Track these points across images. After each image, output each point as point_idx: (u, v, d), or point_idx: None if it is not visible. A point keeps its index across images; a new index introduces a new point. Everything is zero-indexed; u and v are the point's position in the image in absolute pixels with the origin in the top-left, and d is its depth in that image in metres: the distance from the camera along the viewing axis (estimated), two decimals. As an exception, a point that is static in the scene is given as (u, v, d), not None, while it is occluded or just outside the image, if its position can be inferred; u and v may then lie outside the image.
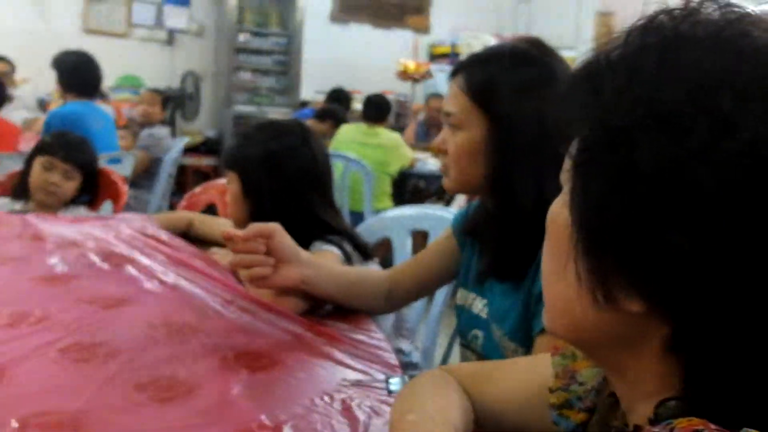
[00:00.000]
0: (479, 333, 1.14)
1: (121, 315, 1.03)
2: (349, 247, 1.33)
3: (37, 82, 5.46)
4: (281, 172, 1.35)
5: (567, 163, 0.47)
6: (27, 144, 3.34)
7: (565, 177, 0.47)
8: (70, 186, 1.98)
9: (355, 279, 1.19)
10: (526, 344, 1.02)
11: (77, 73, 3.40)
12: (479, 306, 1.15)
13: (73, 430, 0.66)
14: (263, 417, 0.73)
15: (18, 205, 1.95)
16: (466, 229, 1.20)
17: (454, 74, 1.09)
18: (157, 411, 0.72)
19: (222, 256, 1.38)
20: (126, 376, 0.79)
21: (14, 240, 1.39)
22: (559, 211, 0.48)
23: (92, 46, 4.94)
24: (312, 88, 6.82)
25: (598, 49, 0.47)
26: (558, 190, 0.49)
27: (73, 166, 1.98)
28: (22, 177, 2.00)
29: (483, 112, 1.04)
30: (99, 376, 0.79)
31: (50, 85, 5.39)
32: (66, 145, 2.03)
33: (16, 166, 2.25)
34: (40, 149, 2.02)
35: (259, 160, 1.37)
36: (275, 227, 1.05)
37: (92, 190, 2.09)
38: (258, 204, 1.37)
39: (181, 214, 1.71)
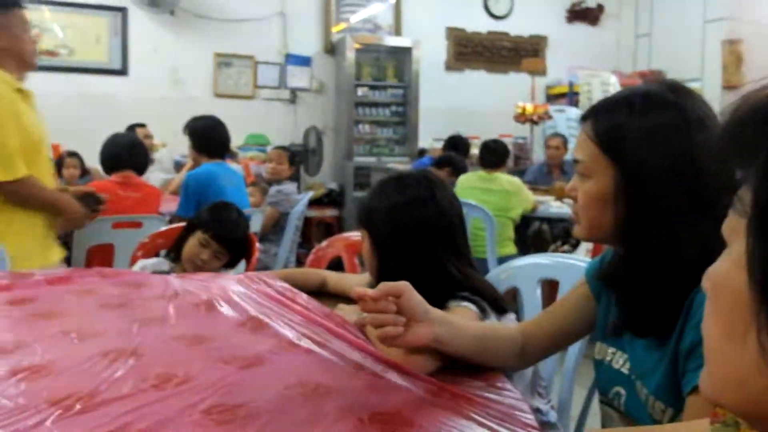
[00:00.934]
0: (621, 390, 1.08)
1: (258, 375, 1.05)
2: (484, 303, 1.30)
3: (172, 145, 5.87)
4: (405, 226, 1.34)
5: (734, 219, 0.42)
6: (166, 205, 3.57)
7: (733, 234, 0.42)
8: (219, 263, 2.09)
9: (487, 335, 1.16)
10: (675, 404, 0.94)
11: (208, 137, 3.61)
12: (620, 361, 1.09)
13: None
14: (402, 485, 0.71)
15: (166, 266, 2.06)
16: (602, 279, 1.15)
17: (583, 120, 1.06)
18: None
19: (348, 312, 1.38)
20: (265, 440, 0.80)
21: (157, 300, 1.46)
22: (728, 274, 0.43)
23: (222, 108, 5.27)
24: (429, 136, 6.90)
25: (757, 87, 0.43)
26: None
27: (227, 249, 2.08)
28: (177, 241, 2.12)
29: (611, 159, 1.01)
30: (240, 439, 0.80)
31: (184, 147, 5.79)
32: (223, 226, 2.11)
33: (158, 227, 2.40)
34: (200, 223, 2.12)
35: (383, 214, 1.37)
36: (405, 286, 1.04)
37: (236, 262, 2.18)
38: (385, 259, 1.36)
39: (315, 272, 1.73)
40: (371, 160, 6.71)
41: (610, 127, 1.01)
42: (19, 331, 1.24)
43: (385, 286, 1.03)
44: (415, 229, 1.34)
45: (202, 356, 1.12)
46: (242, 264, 2.34)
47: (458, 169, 4.70)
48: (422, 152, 6.67)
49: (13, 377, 1.00)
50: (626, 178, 0.99)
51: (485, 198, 4.05)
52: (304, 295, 1.45)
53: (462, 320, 1.16)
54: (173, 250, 2.13)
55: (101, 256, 2.96)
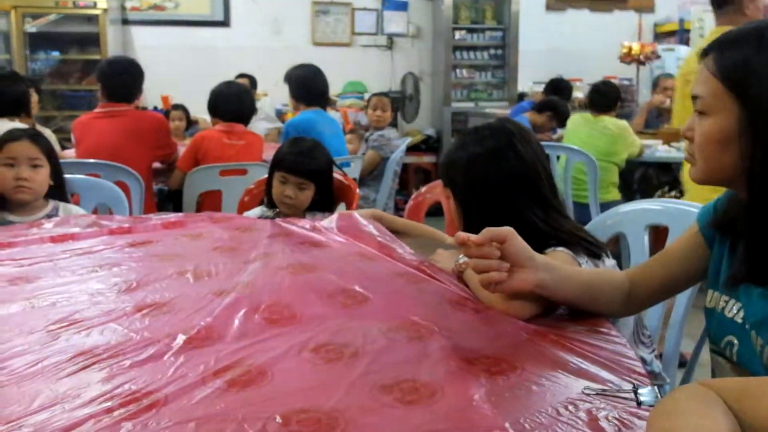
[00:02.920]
0: (734, 340, 1.04)
1: (363, 314, 1.08)
2: (578, 248, 1.27)
3: (273, 94, 5.98)
4: (485, 178, 1.32)
5: None
6: (268, 153, 3.67)
7: None
8: (306, 196, 2.12)
9: (593, 280, 1.14)
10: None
11: (307, 85, 3.66)
12: (733, 310, 1.04)
13: (329, 428, 0.70)
14: (507, 425, 0.72)
15: (270, 213, 2.14)
16: (716, 225, 1.10)
17: (704, 55, 1.00)
18: (402, 413, 0.74)
19: (446, 257, 1.38)
20: (372, 378, 0.83)
21: (264, 243, 1.52)
22: None
23: (320, 56, 5.31)
24: (529, 80, 6.70)
25: None
26: None
27: (305, 178, 2.12)
28: (267, 188, 2.19)
29: (736, 96, 0.95)
30: (347, 377, 0.83)
31: (285, 96, 5.90)
32: (297, 157, 2.13)
33: (263, 173, 2.47)
34: (275, 163, 2.17)
35: (462, 168, 1.35)
36: (509, 231, 1.03)
37: (328, 193, 2.21)
38: (468, 214, 1.35)
39: (418, 226, 1.73)
40: (469, 105, 6.62)
41: (736, 62, 0.95)
42: (140, 271, 1.32)
43: (489, 231, 1.03)
44: (494, 181, 1.32)
45: (310, 294, 1.16)
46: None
47: (560, 114, 4.56)
48: (522, 96, 6.49)
49: (137, 313, 1.07)
50: (752, 117, 0.93)
51: (590, 142, 3.92)
52: (403, 244, 1.47)
53: (566, 266, 1.15)
54: (267, 197, 2.19)
55: (210, 202, 3.10)
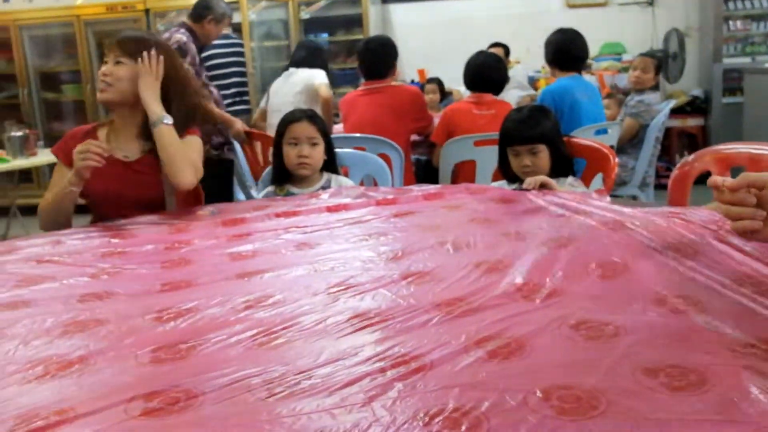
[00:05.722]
0: None
1: (622, 287, 1.05)
2: None
3: (526, 61, 5.91)
4: None
5: None
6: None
7: None
8: (542, 160, 2.11)
9: None
10: None
11: (564, 50, 3.56)
12: None
13: (590, 407, 0.70)
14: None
15: (512, 186, 2.16)
16: None
17: None
18: (668, 399, 0.71)
19: None
20: (634, 359, 0.81)
21: (520, 215, 1.53)
22: None
23: (574, 19, 5.12)
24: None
25: None
26: None
27: (535, 143, 2.10)
28: (501, 162, 2.24)
29: None
30: (608, 356, 0.82)
31: (538, 63, 5.79)
32: (519, 125, 2.15)
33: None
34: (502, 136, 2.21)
35: None
36: None
37: (561, 156, 2.16)
38: None
39: None
40: (744, 61, 5.93)
41: None
42: (405, 240, 1.41)
43: (746, 176, 0.94)
44: None
45: (566, 265, 1.16)
46: (599, 182, 2.30)
47: None
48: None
49: (403, 280, 1.16)
50: None
51: None
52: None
53: None
54: (501, 169, 2.21)
55: (465, 172, 3.18)
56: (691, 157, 2.19)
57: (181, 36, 3.61)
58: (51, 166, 2.25)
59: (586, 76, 4.43)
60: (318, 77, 4.05)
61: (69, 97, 6.40)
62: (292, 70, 4.18)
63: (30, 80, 6.43)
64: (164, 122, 1.94)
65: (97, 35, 6.25)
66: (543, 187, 1.79)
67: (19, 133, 4.51)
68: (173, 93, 2.00)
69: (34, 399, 0.83)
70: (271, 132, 3.87)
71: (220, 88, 4.05)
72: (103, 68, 1.99)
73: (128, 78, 1.96)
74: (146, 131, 1.98)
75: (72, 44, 6.28)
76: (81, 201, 1.96)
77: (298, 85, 4.04)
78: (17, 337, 1.04)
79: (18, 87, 6.40)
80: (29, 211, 4.38)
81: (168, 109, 1.97)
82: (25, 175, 6.15)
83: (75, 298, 1.22)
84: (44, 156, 4.59)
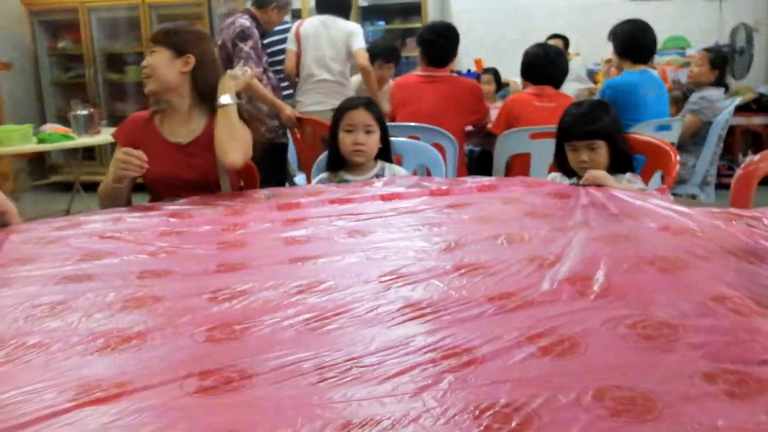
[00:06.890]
0: None
1: (679, 286, 1.03)
2: None
3: (586, 54, 5.79)
4: None
5: None
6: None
7: None
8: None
9: None
10: None
11: (632, 41, 3.46)
12: None
13: (645, 411, 0.69)
14: None
15: (568, 180, 2.12)
16: None
17: None
18: (727, 406, 0.70)
19: None
20: (693, 363, 0.79)
21: (576, 210, 1.51)
22: None
23: (636, 11, 4.98)
24: None
25: None
26: None
27: (593, 138, 2.06)
28: (558, 158, 2.18)
29: None
30: (666, 358, 0.80)
31: (598, 56, 5.66)
32: (577, 120, 2.11)
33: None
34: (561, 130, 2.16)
35: None
36: None
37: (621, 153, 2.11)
38: None
39: None
40: (818, 57, 5.70)
41: None
42: (458, 232, 1.41)
43: None
44: None
45: (622, 263, 1.14)
46: (658, 180, 2.24)
47: None
48: None
49: (456, 272, 1.15)
50: None
51: None
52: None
53: None
54: (557, 163, 2.17)
55: (520, 165, 3.14)
56: (756, 157, 2.11)
57: (245, 21, 3.66)
58: (113, 145, 2.32)
59: (650, 70, 4.31)
60: (356, 40, 3.91)
61: (132, 78, 6.56)
62: (326, 18, 4.02)
63: (96, 61, 6.60)
64: (222, 102, 2.04)
65: (161, 18, 6.38)
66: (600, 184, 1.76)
67: (84, 112, 4.63)
68: (199, 72, 2.08)
69: (95, 371, 0.86)
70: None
71: (277, 73, 4.08)
72: (143, 63, 2.10)
73: (163, 64, 2.05)
74: (196, 114, 2.10)
75: (137, 27, 6.43)
76: (140, 180, 2.02)
77: (339, 43, 3.94)
78: (81, 309, 1.08)
79: (84, 67, 6.58)
80: (91, 187, 4.52)
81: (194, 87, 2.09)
82: (88, 153, 6.35)
83: (134, 274, 1.25)
84: (107, 135, 4.71)
